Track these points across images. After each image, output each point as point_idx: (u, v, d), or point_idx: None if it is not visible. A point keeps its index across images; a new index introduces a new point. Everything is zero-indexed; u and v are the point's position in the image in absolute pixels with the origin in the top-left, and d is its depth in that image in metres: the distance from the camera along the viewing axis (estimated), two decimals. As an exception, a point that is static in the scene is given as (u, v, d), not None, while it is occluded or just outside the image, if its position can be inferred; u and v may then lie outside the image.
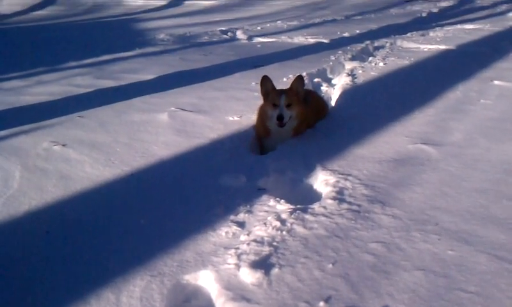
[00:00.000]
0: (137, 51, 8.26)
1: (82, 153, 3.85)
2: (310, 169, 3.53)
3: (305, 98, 4.30)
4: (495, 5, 12.72)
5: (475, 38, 8.38)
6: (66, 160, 3.74)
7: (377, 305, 2.06)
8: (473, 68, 6.24)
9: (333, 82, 6.22)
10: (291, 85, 4.05)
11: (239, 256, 2.44)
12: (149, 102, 5.22)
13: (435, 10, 12.32)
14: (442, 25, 9.80)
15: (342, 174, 3.34)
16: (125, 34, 10.27)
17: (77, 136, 4.22)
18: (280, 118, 3.82)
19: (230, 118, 4.53)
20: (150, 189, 3.29)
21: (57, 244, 2.69)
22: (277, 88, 4.09)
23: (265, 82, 4.07)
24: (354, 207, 2.88)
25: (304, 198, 3.14)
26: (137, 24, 11.60)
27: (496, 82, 5.50)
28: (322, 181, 3.30)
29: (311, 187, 3.36)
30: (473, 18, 10.60)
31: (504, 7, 12.28)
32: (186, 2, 15.37)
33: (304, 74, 6.10)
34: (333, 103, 5.25)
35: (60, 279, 2.38)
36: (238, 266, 2.36)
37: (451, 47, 7.65)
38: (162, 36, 9.69)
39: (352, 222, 2.72)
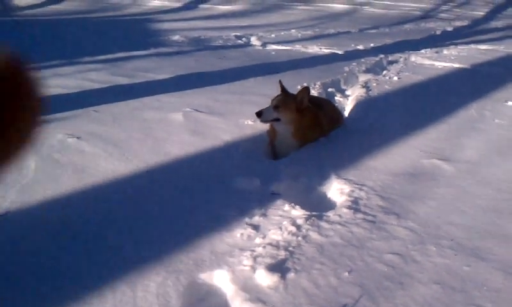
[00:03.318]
0: (152, 51, 8.27)
1: (96, 147, 3.86)
2: (323, 177, 3.53)
3: (319, 106, 4.35)
4: (509, 27, 12.70)
5: (490, 58, 8.37)
6: (80, 153, 3.75)
7: (393, 315, 2.05)
8: (487, 87, 6.22)
9: (347, 93, 6.22)
10: (297, 93, 4.11)
11: (254, 259, 2.43)
12: (163, 101, 5.23)
13: (449, 29, 12.32)
14: (456, 44, 9.78)
15: (357, 184, 3.33)
16: (140, 34, 10.31)
17: (92, 130, 4.23)
18: (258, 112, 3.95)
19: (245, 122, 4.53)
20: (165, 187, 3.30)
21: (71, 235, 2.69)
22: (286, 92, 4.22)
23: (280, 85, 4.26)
24: (370, 217, 2.87)
25: (318, 205, 3.14)
26: (152, 24, 11.64)
27: (510, 103, 5.48)
28: (336, 189, 3.30)
29: (325, 194, 3.36)
30: (487, 39, 10.58)
31: (518, 29, 12.28)
32: (201, 5, 15.42)
33: (318, 83, 6.12)
34: (346, 113, 5.25)
35: (74, 271, 2.39)
36: (254, 268, 2.36)
37: (465, 65, 7.64)
38: (176, 37, 9.71)
39: (368, 232, 2.71)
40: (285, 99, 4.06)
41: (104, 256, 2.50)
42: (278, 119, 4.00)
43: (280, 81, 4.28)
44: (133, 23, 12.04)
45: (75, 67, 6.81)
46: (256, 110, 3.99)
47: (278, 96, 4.13)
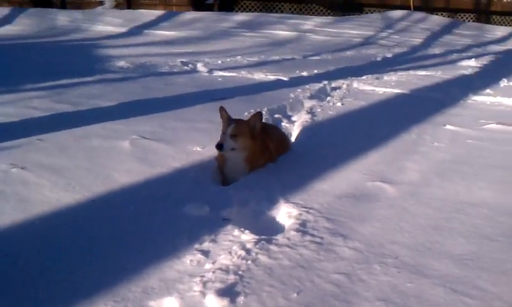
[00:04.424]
0: (97, 77, 8.17)
1: (41, 177, 3.78)
2: (272, 201, 3.59)
3: (267, 132, 4.42)
4: (445, 54, 13.33)
5: (427, 83, 8.75)
6: (25, 184, 3.66)
7: (341, 334, 2.11)
8: (426, 112, 6.51)
9: (293, 118, 6.35)
10: (249, 119, 4.17)
11: (204, 284, 2.45)
12: (109, 129, 5.17)
13: (389, 55, 12.79)
14: (396, 70, 10.17)
15: (304, 207, 3.42)
16: (84, 59, 10.15)
17: (36, 160, 4.13)
18: (218, 145, 3.95)
19: (193, 148, 4.55)
20: (112, 216, 3.26)
21: (16, 267, 2.62)
22: (235, 118, 4.21)
23: (221, 112, 4.24)
24: (317, 239, 2.95)
25: (267, 229, 3.19)
26: (97, 50, 11.50)
27: (448, 127, 5.76)
28: (285, 213, 3.37)
29: (274, 218, 3.42)
30: (425, 65, 11.06)
31: (454, 56, 12.90)
32: (146, 31, 15.34)
33: (265, 109, 6.22)
34: (293, 139, 5.37)
35: (19, 303, 2.32)
36: (203, 293, 2.37)
37: (405, 91, 7.96)
38: (122, 63, 9.63)
39: (315, 253, 2.79)
40: (240, 127, 4.07)
41: (50, 288, 2.45)
42: (234, 149, 4.03)
43: (221, 108, 4.26)
44: (77, 49, 11.86)
45: (16, 95, 6.63)
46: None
47: (231, 123, 4.09)
